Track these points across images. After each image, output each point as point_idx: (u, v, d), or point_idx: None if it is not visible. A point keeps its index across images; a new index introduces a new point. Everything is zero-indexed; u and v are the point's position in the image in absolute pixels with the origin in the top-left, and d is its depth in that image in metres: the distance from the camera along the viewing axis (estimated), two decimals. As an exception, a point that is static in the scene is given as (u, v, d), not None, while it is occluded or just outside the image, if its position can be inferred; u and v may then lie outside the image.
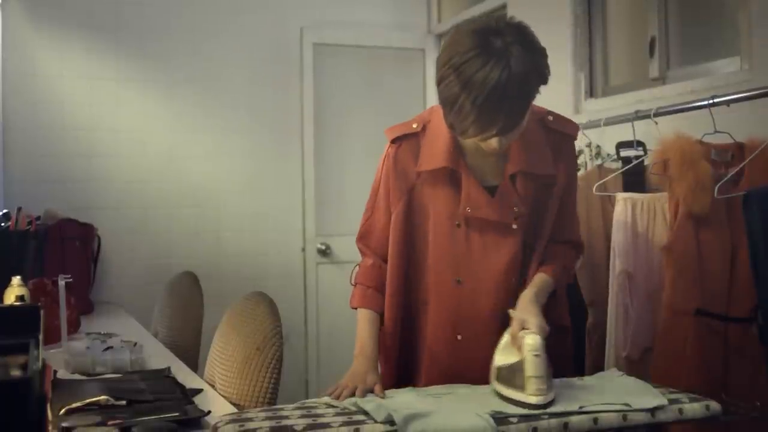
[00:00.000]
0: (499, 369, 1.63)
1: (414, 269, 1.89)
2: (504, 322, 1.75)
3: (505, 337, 1.69)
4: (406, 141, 1.89)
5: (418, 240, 1.88)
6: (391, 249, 1.89)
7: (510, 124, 1.65)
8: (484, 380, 1.72)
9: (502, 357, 1.65)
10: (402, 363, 1.91)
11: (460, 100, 1.61)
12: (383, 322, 1.89)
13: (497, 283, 1.83)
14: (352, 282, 1.96)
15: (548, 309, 1.78)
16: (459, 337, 1.84)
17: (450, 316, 1.84)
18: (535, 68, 1.64)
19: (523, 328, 1.63)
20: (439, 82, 1.67)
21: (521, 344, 1.59)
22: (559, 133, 1.89)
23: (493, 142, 1.69)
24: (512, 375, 1.58)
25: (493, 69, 1.57)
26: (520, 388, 1.55)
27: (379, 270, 1.93)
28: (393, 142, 1.90)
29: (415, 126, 1.89)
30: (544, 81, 1.68)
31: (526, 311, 1.69)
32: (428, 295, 1.87)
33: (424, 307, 1.88)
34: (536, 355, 1.55)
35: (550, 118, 1.89)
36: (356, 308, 1.92)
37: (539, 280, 1.83)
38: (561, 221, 1.90)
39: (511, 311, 1.72)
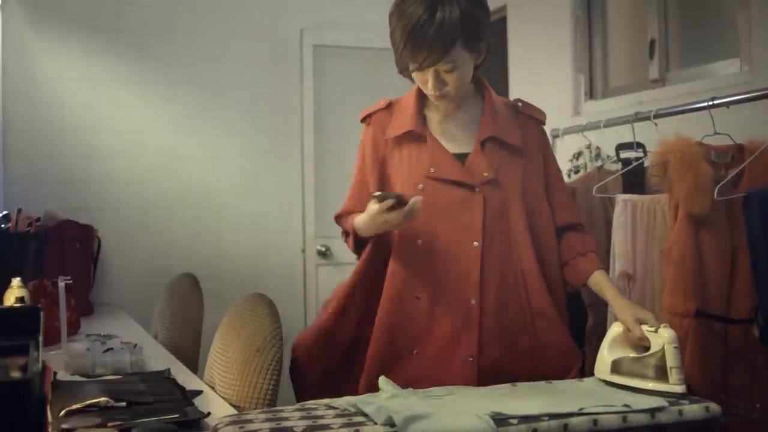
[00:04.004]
0: (618, 362, 1.75)
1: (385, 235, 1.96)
2: (464, 284, 1.85)
3: (613, 332, 1.81)
4: (376, 116, 2.03)
5: None
6: None
7: (433, 59, 1.80)
8: (441, 339, 1.84)
9: (616, 351, 1.77)
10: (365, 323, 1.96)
11: (396, 33, 1.83)
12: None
13: (457, 246, 1.88)
14: (346, 230, 2.03)
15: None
16: (417, 297, 1.88)
17: (409, 276, 1.89)
18: (462, 17, 1.79)
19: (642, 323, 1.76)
20: (389, 23, 1.86)
21: (640, 338, 1.74)
22: (527, 116, 2.02)
23: (429, 86, 1.85)
24: (642, 367, 1.71)
25: (419, 7, 1.78)
26: (658, 378, 1.68)
27: None
28: (363, 120, 2.06)
29: (383, 103, 2.05)
30: (478, 36, 1.84)
31: (633, 309, 1.80)
32: (392, 256, 1.92)
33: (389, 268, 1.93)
34: (676, 347, 1.69)
35: (520, 104, 2.03)
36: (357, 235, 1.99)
37: (605, 278, 1.94)
38: (561, 203, 2.01)
39: (614, 311, 1.86)
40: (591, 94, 3.39)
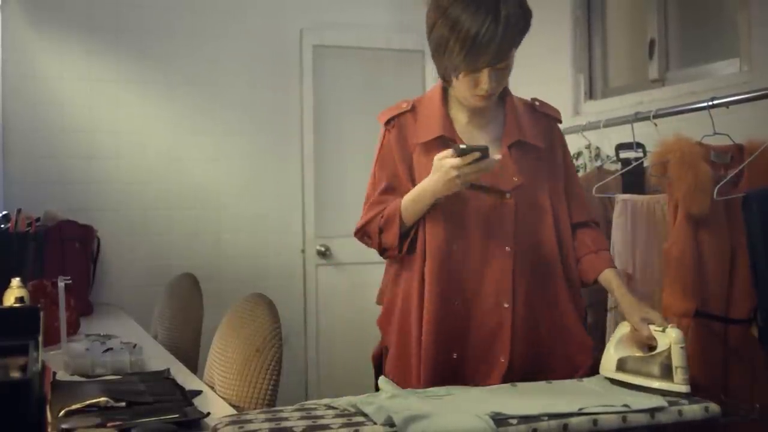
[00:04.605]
0: (624, 360, 1.76)
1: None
2: (497, 289, 1.84)
3: (621, 331, 1.82)
4: (400, 118, 1.97)
5: None
6: None
7: (498, 57, 1.78)
8: (476, 343, 1.84)
9: (622, 350, 1.78)
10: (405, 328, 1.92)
11: (450, 43, 1.77)
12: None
13: (490, 251, 1.87)
14: (380, 227, 1.91)
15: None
16: (455, 301, 1.87)
17: (446, 280, 1.87)
18: (521, 8, 1.79)
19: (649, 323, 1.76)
20: (430, 30, 1.82)
21: (647, 337, 1.74)
22: (546, 116, 2.02)
23: (484, 86, 1.81)
24: (647, 366, 1.71)
25: (478, 10, 1.73)
26: (663, 377, 1.69)
27: None
28: (387, 123, 1.98)
29: (405, 105, 1.98)
30: (528, 28, 1.83)
31: (641, 309, 1.80)
32: (428, 260, 1.88)
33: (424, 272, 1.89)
34: (682, 348, 1.69)
35: (537, 103, 2.02)
36: (400, 227, 1.89)
37: (615, 277, 1.91)
38: (577, 200, 2.00)
39: (620, 310, 1.85)
40: (591, 94, 3.39)
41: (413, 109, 1.97)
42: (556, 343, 1.92)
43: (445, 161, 1.75)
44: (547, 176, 1.95)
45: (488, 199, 1.87)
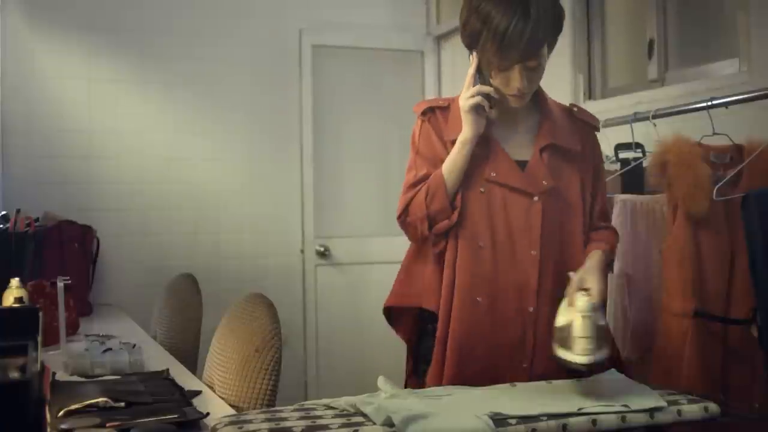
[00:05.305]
0: (556, 330, 1.68)
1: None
2: (522, 292, 1.83)
3: (566, 299, 1.75)
4: (437, 112, 1.96)
5: None
6: None
7: (525, 56, 1.80)
8: (504, 342, 1.83)
9: (561, 318, 1.70)
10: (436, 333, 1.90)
11: (482, 38, 1.80)
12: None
13: (516, 253, 1.86)
14: (425, 206, 1.87)
15: None
16: (479, 299, 1.85)
17: (470, 278, 1.85)
18: (554, 8, 1.83)
19: (582, 289, 1.69)
20: (463, 27, 1.85)
21: (567, 294, 1.69)
22: (584, 123, 2.00)
23: (515, 82, 1.82)
24: (565, 336, 1.64)
25: (509, 6, 1.76)
26: (566, 347, 1.62)
27: None
28: (424, 113, 1.97)
29: (442, 102, 1.99)
30: (560, 29, 1.87)
31: (587, 272, 1.76)
32: (458, 256, 1.87)
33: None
34: (585, 316, 1.61)
35: (576, 109, 2.02)
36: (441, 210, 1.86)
37: (596, 253, 1.86)
38: (600, 207, 1.98)
39: (571, 273, 1.77)
40: (590, 95, 3.39)
41: (448, 108, 1.96)
42: None
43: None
44: (580, 182, 1.92)
45: (516, 200, 1.86)
